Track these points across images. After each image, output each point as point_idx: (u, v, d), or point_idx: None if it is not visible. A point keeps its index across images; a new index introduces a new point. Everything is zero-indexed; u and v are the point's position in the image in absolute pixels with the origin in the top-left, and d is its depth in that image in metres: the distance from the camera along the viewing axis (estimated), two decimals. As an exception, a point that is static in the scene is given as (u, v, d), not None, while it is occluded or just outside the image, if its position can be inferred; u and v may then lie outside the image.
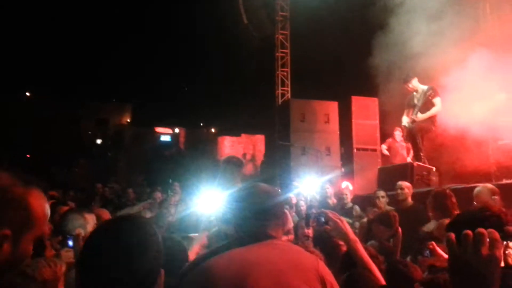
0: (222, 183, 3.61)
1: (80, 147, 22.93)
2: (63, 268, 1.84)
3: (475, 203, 3.65)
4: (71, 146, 21.72)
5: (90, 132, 26.07)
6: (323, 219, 2.05)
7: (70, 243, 2.75)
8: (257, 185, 1.73)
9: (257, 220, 1.62)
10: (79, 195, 8.40)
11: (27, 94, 25.03)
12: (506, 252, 1.00)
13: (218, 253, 1.56)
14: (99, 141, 26.46)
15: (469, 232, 0.98)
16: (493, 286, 0.95)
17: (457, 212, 3.69)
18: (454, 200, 3.81)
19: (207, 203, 3.24)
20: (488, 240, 0.97)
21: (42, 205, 1.10)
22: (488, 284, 0.95)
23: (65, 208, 4.18)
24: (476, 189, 3.78)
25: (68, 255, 2.63)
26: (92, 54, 29.63)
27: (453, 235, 1.01)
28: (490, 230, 0.97)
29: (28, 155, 18.52)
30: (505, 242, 1.01)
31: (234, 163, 3.77)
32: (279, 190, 4.61)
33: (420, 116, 6.83)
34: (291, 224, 4.75)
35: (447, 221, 3.49)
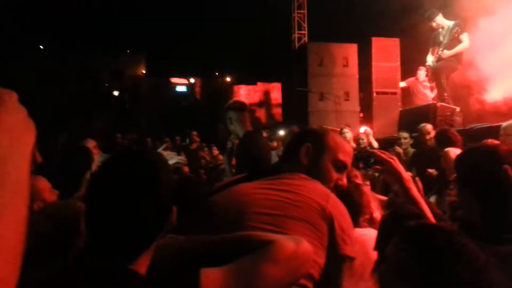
0: (233, 129, 3.47)
1: (97, 99, 23.08)
2: (83, 207, 1.84)
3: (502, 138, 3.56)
4: (87, 98, 21.88)
5: (106, 84, 26.10)
6: (372, 160, 1.97)
7: None
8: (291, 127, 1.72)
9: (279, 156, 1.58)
10: (101, 144, 8.53)
11: (41, 47, 24.92)
12: None
13: (230, 185, 1.51)
14: (116, 93, 26.55)
15: None
16: None
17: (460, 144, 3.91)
18: (456, 133, 4.07)
19: None
20: None
21: None
22: None
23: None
24: (504, 124, 3.67)
25: None
26: (102, 4, 29.00)
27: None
28: None
29: (46, 107, 18.75)
30: None
31: (236, 108, 3.51)
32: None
33: (446, 53, 6.50)
34: None
35: (449, 149, 3.70)
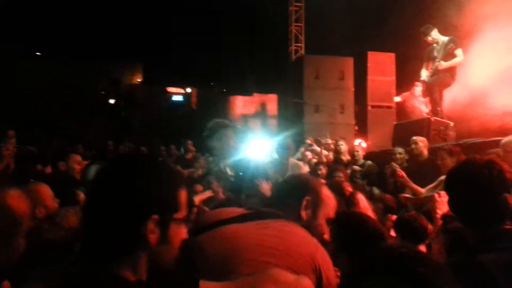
0: (219, 150, 3.29)
1: (93, 106, 23.08)
2: None
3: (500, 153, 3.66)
4: (84, 105, 21.88)
5: (103, 92, 26.13)
6: None
7: None
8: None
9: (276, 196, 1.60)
10: (93, 152, 8.51)
11: (38, 53, 24.92)
12: None
13: (220, 223, 1.45)
14: (112, 101, 26.56)
15: None
16: None
17: None
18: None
19: (257, 149, 3.30)
20: None
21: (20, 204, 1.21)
22: None
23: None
24: (503, 141, 3.75)
25: None
26: (101, 13, 29.12)
27: None
28: None
29: (42, 112, 18.67)
30: None
31: (224, 127, 3.31)
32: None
33: (444, 64, 6.56)
34: None
35: None
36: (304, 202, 1.57)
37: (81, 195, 2.90)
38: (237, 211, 1.54)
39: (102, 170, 1.05)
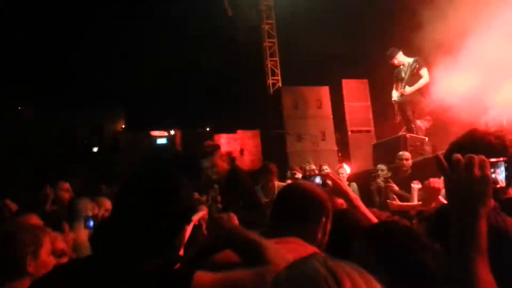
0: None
1: (76, 155, 22.92)
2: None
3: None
4: (67, 155, 21.73)
5: (86, 142, 26.08)
6: (320, 181, 2.11)
7: (91, 223, 2.70)
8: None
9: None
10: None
11: (19, 108, 24.98)
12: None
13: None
14: (95, 149, 26.47)
15: (459, 156, 1.06)
16: (485, 202, 1.03)
17: None
18: None
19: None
20: (478, 162, 1.04)
21: None
22: (481, 200, 1.02)
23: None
24: None
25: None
26: (78, 59, 29.52)
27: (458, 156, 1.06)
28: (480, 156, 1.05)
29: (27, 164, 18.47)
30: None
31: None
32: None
33: (408, 90, 6.89)
34: None
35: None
36: (322, 224, 1.60)
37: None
38: None
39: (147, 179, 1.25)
